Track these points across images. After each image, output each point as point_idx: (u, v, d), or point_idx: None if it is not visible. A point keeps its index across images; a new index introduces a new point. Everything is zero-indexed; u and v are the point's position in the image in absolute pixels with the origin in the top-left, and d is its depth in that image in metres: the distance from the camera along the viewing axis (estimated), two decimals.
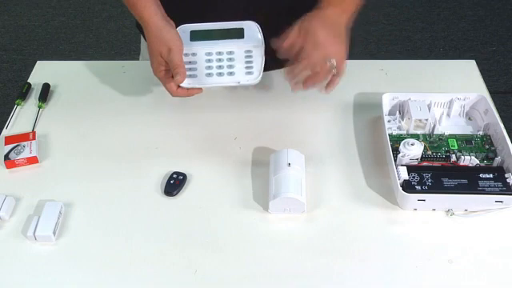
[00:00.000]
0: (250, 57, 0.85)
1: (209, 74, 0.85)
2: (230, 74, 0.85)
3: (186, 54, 0.85)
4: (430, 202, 0.78)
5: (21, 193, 0.84)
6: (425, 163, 0.83)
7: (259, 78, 0.84)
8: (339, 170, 0.87)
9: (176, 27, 0.85)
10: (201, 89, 0.86)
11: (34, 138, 0.91)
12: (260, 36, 0.87)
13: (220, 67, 0.85)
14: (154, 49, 0.83)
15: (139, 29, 1.12)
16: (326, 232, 0.78)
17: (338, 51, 0.81)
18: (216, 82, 0.85)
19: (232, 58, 0.85)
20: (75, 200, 0.83)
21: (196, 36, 0.87)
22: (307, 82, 0.82)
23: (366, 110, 0.97)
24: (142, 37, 1.14)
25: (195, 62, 0.85)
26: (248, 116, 0.97)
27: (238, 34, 0.87)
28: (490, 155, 0.84)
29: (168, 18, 0.85)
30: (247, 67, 0.85)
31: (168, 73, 0.84)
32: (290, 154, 0.82)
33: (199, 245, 0.77)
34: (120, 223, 0.80)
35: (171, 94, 0.85)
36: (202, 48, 0.86)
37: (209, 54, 0.86)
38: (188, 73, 0.84)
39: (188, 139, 0.93)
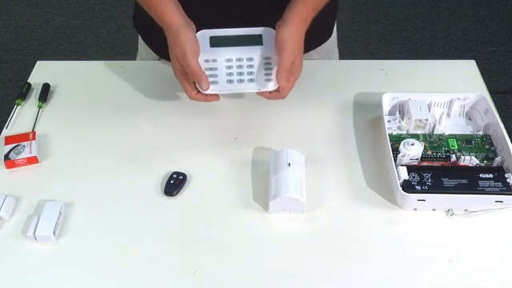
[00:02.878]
0: (269, 63, 0.86)
1: (230, 81, 0.85)
2: (251, 80, 0.86)
3: (207, 60, 0.86)
4: (429, 202, 0.78)
5: (21, 193, 0.84)
6: (425, 163, 0.83)
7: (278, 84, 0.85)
8: (339, 170, 0.87)
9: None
10: (218, 97, 0.87)
11: (33, 138, 0.91)
12: None
13: (240, 74, 0.86)
14: (172, 52, 0.84)
15: (137, 29, 1.12)
16: (326, 232, 0.78)
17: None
18: (237, 88, 0.86)
19: (252, 64, 0.86)
20: (75, 200, 0.83)
21: (216, 42, 0.87)
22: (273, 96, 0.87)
23: (366, 110, 0.97)
24: (139, 37, 1.14)
25: (216, 69, 0.86)
26: (248, 116, 0.97)
27: (257, 40, 0.87)
28: (490, 155, 0.84)
29: (188, 20, 0.85)
30: (266, 74, 0.86)
31: (188, 76, 0.84)
32: (290, 154, 0.82)
33: (199, 245, 0.77)
34: (120, 223, 0.80)
35: (189, 97, 0.86)
36: (223, 54, 0.87)
37: (229, 60, 0.87)
38: (210, 79, 0.84)
39: (188, 139, 0.93)
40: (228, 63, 0.86)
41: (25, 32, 2.61)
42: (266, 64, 0.86)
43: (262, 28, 0.87)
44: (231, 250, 0.76)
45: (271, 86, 0.85)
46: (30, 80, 1.06)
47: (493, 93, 1.00)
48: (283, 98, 0.86)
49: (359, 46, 2.44)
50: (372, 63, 1.09)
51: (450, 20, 2.62)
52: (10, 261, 0.75)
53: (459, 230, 0.78)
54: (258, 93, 0.86)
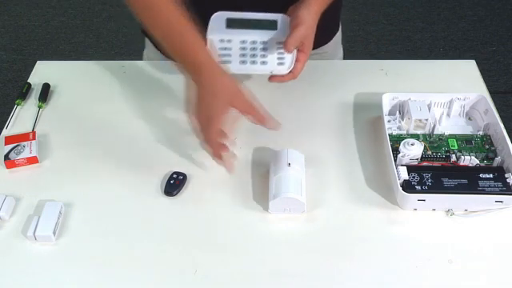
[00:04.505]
0: (282, 48, 0.87)
1: (243, 62, 0.87)
2: (263, 63, 0.87)
3: (222, 40, 0.88)
4: (429, 202, 0.78)
5: (21, 193, 0.84)
6: (425, 163, 0.83)
7: (291, 68, 0.86)
8: (339, 169, 0.87)
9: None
10: (232, 165, 0.83)
11: (33, 138, 0.91)
12: None
13: (253, 56, 0.87)
14: (216, 94, 0.76)
15: (144, 33, 1.12)
16: (326, 232, 0.78)
17: None
18: (249, 69, 0.87)
19: (265, 47, 0.88)
20: (75, 200, 0.83)
21: (232, 24, 0.89)
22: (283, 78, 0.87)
23: (366, 110, 0.97)
24: (146, 39, 1.13)
25: (230, 49, 0.88)
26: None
27: (272, 25, 0.89)
28: (490, 155, 0.84)
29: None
30: (279, 58, 0.87)
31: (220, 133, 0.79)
32: (290, 154, 0.82)
33: (199, 245, 0.77)
34: (120, 223, 0.80)
35: (213, 154, 0.80)
36: (238, 36, 0.89)
37: (243, 42, 0.88)
38: (223, 58, 0.86)
39: (188, 139, 0.93)
40: (242, 45, 0.88)
41: (25, 32, 2.61)
42: (280, 49, 0.88)
43: (277, 14, 0.89)
44: (231, 250, 0.76)
45: (283, 69, 0.86)
46: (29, 80, 1.06)
47: (493, 93, 0.99)
48: (295, 77, 0.87)
49: (359, 46, 2.44)
50: (372, 63, 1.09)
51: (450, 20, 2.62)
52: (10, 261, 0.75)
53: (459, 230, 0.78)
54: (270, 78, 0.87)
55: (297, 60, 0.86)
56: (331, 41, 1.12)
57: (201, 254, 0.75)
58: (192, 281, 0.72)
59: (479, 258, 0.74)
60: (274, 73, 0.86)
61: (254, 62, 0.87)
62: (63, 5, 2.78)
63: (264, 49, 0.88)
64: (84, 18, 2.69)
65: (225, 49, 0.87)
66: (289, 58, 0.87)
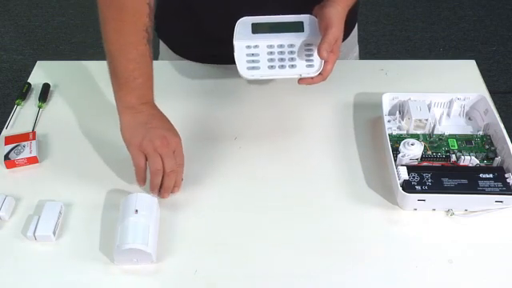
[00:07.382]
0: (311, 50, 0.87)
1: (271, 67, 0.86)
2: (292, 66, 0.86)
3: (249, 46, 0.87)
4: (429, 202, 0.78)
5: (21, 193, 0.84)
6: (425, 163, 0.83)
7: (320, 70, 0.85)
8: (339, 170, 0.87)
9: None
10: None
11: (33, 138, 0.91)
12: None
13: (282, 60, 0.86)
14: (157, 128, 0.84)
15: (161, 36, 1.11)
16: (325, 232, 0.78)
17: None
18: (278, 74, 0.86)
19: (293, 50, 0.87)
20: (75, 200, 0.83)
21: (257, 29, 0.88)
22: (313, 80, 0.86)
23: (366, 110, 0.97)
24: (160, 40, 1.13)
25: (258, 54, 0.87)
26: (248, 116, 0.97)
27: (298, 27, 0.88)
28: (490, 155, 0.84)
29: None
30: (308, 60, 0.86)
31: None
32: (139, 200, 0.77)
33: (199, 245, 0.77)
34: None
35: (140, 180, 0.84)
36: (264, 41, 0.88)
37: (270, 46, 0.88)
38: (251, 64, 0.86)
39: (188, 139, 0.93)
40: (269, 49, 0.87)
41: (25, 32, 2.61)
42: (308, 50, 0.87)
43: (303, 15, 0.88)
44: (231, 250, 0.76)
45: (313, 71, 0.85)
46: (30, 80, 1.06)
47: (493, 93, 1.00)
48: (325, 79, 0.86)
49: (359, 46, 2.44)
50: (372, 63, 1.09)
51: (450, 20, 2.62)
52: (10, 261, 0.75)
53: (459, 230, 0.78)
54: (299, 81, 0.86)
55: (326, 61, 0.84)
56: (347, 39, 1.11)
57: (201, 253, 0.75)
58: (192, 281, 0.72)
59: (479, 257, 0.74)
60: (304, 76, 0.85)
61: (282, 67, 0.86)
62: (63, 5, 2.78)
63: (292, 52, 0.87)
64: (84, 17, 2.69)
65: (252, 54, 0.87)
66: (318, 60, 0.85)
